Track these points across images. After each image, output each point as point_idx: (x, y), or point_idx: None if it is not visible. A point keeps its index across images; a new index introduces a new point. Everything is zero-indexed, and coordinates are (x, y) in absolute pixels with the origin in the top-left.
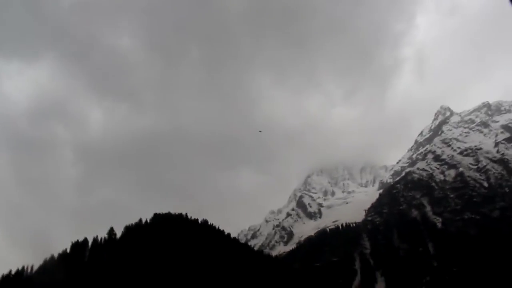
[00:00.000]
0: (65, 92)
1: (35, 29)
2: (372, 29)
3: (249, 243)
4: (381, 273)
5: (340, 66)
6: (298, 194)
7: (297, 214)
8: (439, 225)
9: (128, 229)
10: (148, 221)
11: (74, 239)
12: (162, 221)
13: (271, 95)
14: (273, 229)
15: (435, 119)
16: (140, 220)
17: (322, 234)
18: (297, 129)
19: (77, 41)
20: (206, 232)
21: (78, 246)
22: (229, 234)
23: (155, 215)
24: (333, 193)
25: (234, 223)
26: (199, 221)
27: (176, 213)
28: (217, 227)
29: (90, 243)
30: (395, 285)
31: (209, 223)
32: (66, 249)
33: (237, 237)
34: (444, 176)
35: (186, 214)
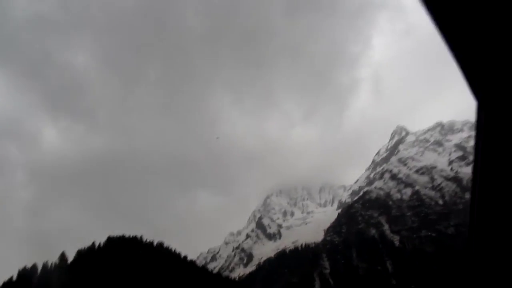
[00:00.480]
0: (18, 111)
1: None
2: (329, 51)
3: (208, 266)
4: None
5: (298, 86)
6: (258, 215)
7: (257, 236)
8: (396, 243)
9: (80, 254)
10: (102, 244)
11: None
12: (116, 244)
13: (230, 116)
14: (233, 251)
15: (391, 138)
16: (93, 243)
17: (282, 255)
18: (256, 150)
19: (30, 58)
20: (161, 255)
21: (26, 273)
22: (185, 257)
23: (109, 238)
24: (292, 214)
25: (193, 245)
26: (154, 244)
27: (131, 236)
28: (173, 249)
29: (39, 269)
30: None
31: (164, 246)
32: (12, 277)
33: (196, 260)
34: (401, 194)
35: (141, 236)
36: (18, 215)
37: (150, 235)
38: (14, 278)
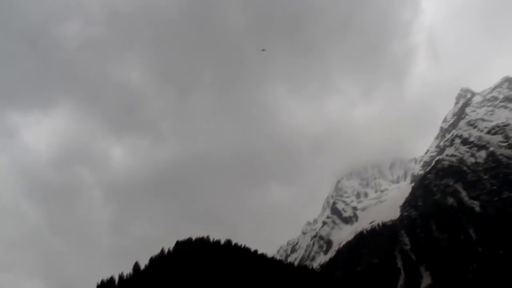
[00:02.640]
0: (84, 135)
1: (45, 77)
2: (378, 22)
3: (289, 258)
4: (425, 268)
5: (352, 64)
6: (331, 201)
7: (333, 221)
8: (477, 209)
9: (152, 261)
10: (171, 249)
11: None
12: (184, 247)
13: (288, 106)
14: (311, 240)
15: (456, 102)
16: (162, 249)
17: (360, 237)
18: (320, 135)
19: (88, 83)
20: (229, 252)
21: (104, 286)
22: (255, 251)
23: (177, 242)
24: (366, 194)
25: (271, 240)
26: (222, 242)
27: (198, 237)
28: (242, 245)
29: (116, 281)
30: (441, 277)
31: (232, 243)
32: None
33: (276, 254)
34: (475, 158)
35: (208, 236)
36: (101, 232)
37: (226, 235)
38: None
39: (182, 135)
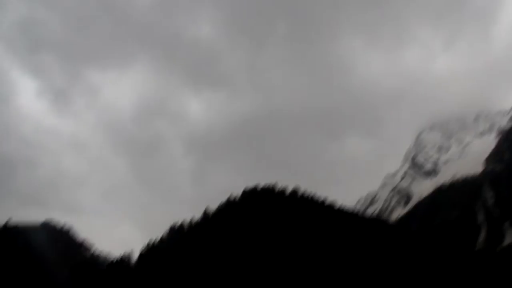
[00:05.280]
0: (162, 91)
1: (122, 36)
2: None
3: (367, 210)
4: (510, 224)
5: (432, 12)
6: (412, 154)
7: (413, 175)
8: None
9: (219, 207)
10: (238, 196)
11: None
12: (250, 195)
13: (366, 58)
14: (390, 192)
15: None
16: (229, 196)
17: (440, 191)
18: (400, 88)
19: (162, 39)
20: (296, 202)
21: (175, 229)
22: (323, 201)
23: (244, 190)
24: (448, 148)
25: (350, 193)
26: (289, 191)
27: (265, 186)
28: (312, 195)
29: (186, 225)
30: None
31: (299, 191)
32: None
33: (355, 206)
34: None
35: (275, 184)
36: (184, 183)
37: (303, 188)
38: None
39: (258, 89)
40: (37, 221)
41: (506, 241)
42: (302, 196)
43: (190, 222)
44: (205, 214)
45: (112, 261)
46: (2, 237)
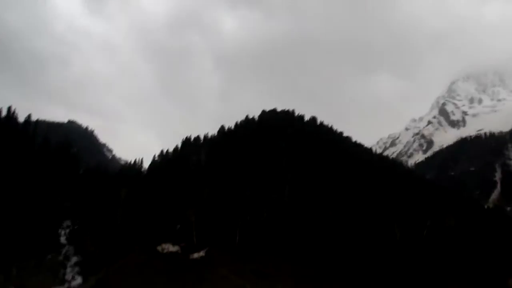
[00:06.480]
0: (199, 3)
1: None
2: None
3: (387, 151)
4: None
5: None
6: (441, 101)
7: (439, 122)
8: None
9: (237, 125)
10: (256, 117)
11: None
12: (268, 117)
13: None
14: (413, 137)
15: None
16: (247, 116)
17: (463, 143)
18: (442, 30)
19: None
20: (313, 128)
21: (191, 140)
22: (341, 133)
23: (263, 111)
24: (480, 101)
25: (372, 130)
26: (306, 118)
27: (283, 109)
28: (329, 125)
29: (202, 139)
30: None
31: (318, 121)
32: (177, 146)
33: (375, 145)
34: None
35: (293, 110)
36: (208, 98)
37: (324, 118)
38: (179, 146)
39: (295, 13)
40: (63, 121)
41: None
42: (321, 124)
43: (205, 136)
44: (221, 129)
45: (123, 165)
46: (24, 130)
